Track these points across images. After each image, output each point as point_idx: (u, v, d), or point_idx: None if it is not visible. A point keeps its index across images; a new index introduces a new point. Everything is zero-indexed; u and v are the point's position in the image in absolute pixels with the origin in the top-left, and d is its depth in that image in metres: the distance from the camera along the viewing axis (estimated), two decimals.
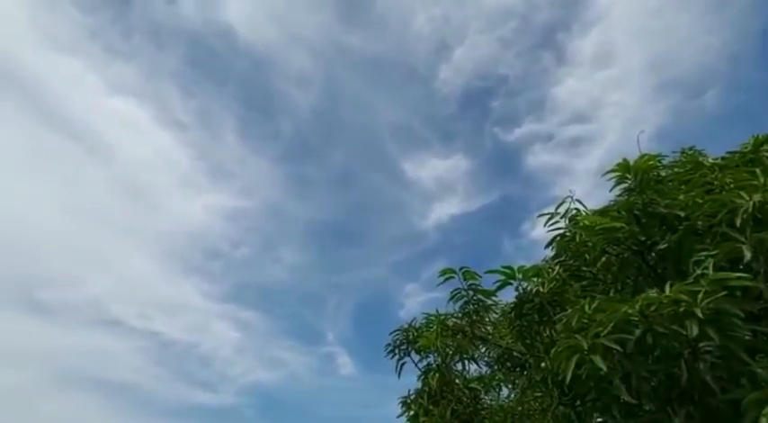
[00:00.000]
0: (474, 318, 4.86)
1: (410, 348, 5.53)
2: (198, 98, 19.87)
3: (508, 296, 5.02)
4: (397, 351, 5.61)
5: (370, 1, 17.76)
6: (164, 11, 17.41)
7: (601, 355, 2.70)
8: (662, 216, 3.40)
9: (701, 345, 2.73)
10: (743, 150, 3.84)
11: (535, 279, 4.22)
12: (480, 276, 4.82)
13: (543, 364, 4.12)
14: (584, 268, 4.03)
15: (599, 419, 3.52)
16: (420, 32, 18.40)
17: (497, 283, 4.46)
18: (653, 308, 2.75)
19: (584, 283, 4.04)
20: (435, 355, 5.05)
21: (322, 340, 22.53)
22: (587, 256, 3.93)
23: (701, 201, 3.34)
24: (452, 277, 4.89)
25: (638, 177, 3.49)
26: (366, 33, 18.89)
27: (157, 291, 20.77)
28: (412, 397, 5.29)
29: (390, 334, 5.68)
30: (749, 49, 15.58)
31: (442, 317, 5.17)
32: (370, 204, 22.92)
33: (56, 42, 16.53)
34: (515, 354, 5.14)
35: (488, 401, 5.10)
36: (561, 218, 3.94)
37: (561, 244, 3.96)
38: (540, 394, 4.16)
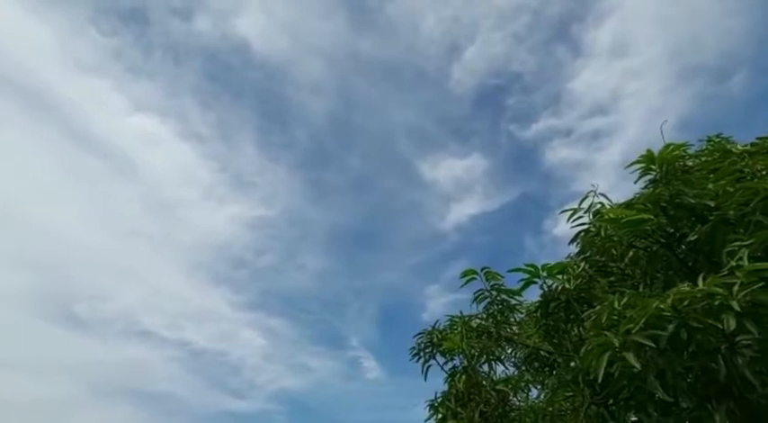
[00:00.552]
0: (499, 318, 4.79)
1: (435, 351, 5.48)
2: (216, 111, 20.27)
3: (532, 295, 4.95)
4: (421, 354, 5.56)
5: (380, 6, 17.84)
6: (181, 29, 17.85)
7: (633, 353, 2.62)
8: (691, 207, 3.29)
9: (738, 339, 2.63)
10: None
11: (560, 276, 4.14)
12: (503, 276, 4.76)
13: (573, 364, 4.03)
14: (611, 264, 3.93)
15: (633, 418, 3.42)
16: (430, 34, 18.40)
17: (521, 283, 4.39)
18: (686, 302, 2.66)
19: (612, 278, 3.94)
20: (461, 357, 4.99)
21: (347, 345, 22.62)
22: (614, 251, 3.84)
23: (731, 189, 3.22)
24: (474, 278, 4.83)
25: (664, 168, 3.39)
26: (377, 38, 18.98)
27: (186, 301, 21.25)
28: (439, 400, 5.24)
29: (414, 337, 5.64)
30: None
31: (466, 318, 5.11)
32: (388, 207, 22.96)
33: (82, 65, 17.12)
34: (543, 353, 5.04)
35: (517, 403, 5.01)
36: (585, 213, 3.85)
37: (586, 239, 3.87)
38: (570, 394, 4.05)
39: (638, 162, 3.51)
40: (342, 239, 23.85)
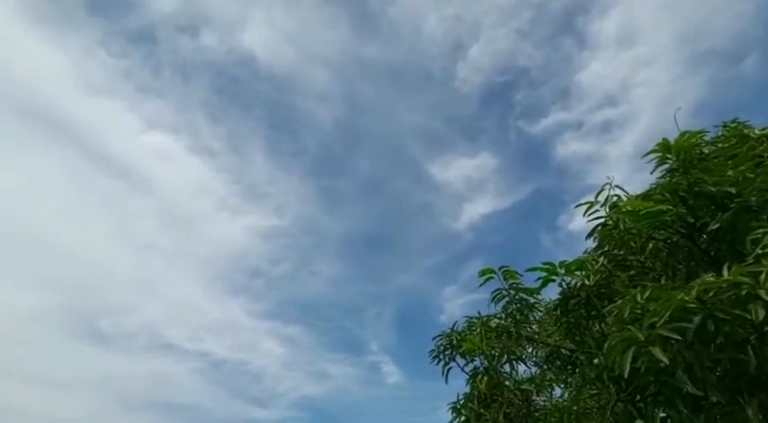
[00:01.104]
0: (518, 317, 4.73)
1: (455, 353, 5.43)
2: (226, 124, 20.52)
3: (551, 293, 4.88)
4: (441, 356, 5.50)
5: (381, 10, 17.89)
6: (188, 46, 18.13)
7: (659, 347, 2.56)
8: (710, 195, 3.21)
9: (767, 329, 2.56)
10: None
11: (579, 273, 4.07)
12: (521, 275, 4.69)
13: (596, 361, 3.95)
14: (631, 257, 3.85)
15: (662, 415, 3.34)
16: (433, 34, 18.39)
17: (539, 280, 4.33)
18: (711, 293, 2.59)
19: (632, 272, 3.86)
20: (481, 357, 4.93)
21: (366, 350, 22.60)
22: (633, 244, 3.76)
23: (752, 175, 3.14)
24: (492, 277, 4.78)
25: (681, 156, 3.31)
26: (380, 42, 19.04)
27: (206, 313, 21.49)
28: (461, 402, 5.18)
29: (433, 339, 5.59)
30: None
31: (485, 318, 5.05)
32: (400, 210, 22.95)
33: (94, 87, 17.53)
34: (564, 352, 4.96)
35: (541, 402, 4.93)
36: (601, 206, 3.78)
37: (603, 233, 3.80)
38: (596, 391, 3.98)
39: (653, 151, 3.44)
40: (355, 245, 23.91)
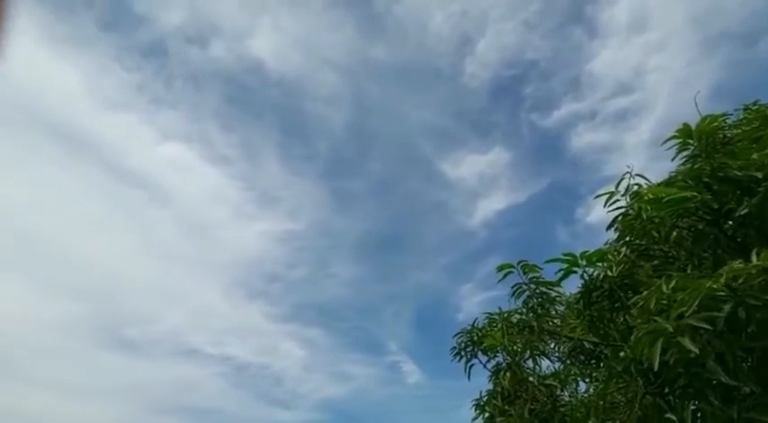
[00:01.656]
0: (539, 311, 4.65)
1: (476, 350, 5.37)
2: (238, 132, 20.71)
3: (572, 287, 4.79)
4: (463, 353, 5.46)
5: (387, 10, 17.81)
6: (198, 56, 18.33)
7: (689, 337, 2.49)
8: (736, 179, 3.11)
9: None
10: None
11: (601, 264, 4.00)
12: (541, 268, 4.62)
13: (622, 354, 3.87)
14: (654, 246, 3.77)
15: (692, 407, 3.25)
16: (440, 31, 18.26)
17: (560, 273, 4.26)
18: (741, 279, 2.51)
19: (656, 262, 3.78)
20: (504, 353, 4.87)
21: (385, 350, 22.60)
22: (656, 234, 3.68)
23: None
24: (511, 272, 4.71)
25: (703, 141, 3.22)
26: (387, 42, 18.96)
27: (226, 318, 21.80)
28: (485, 399, 5.12)
29: (454, 337, 5.55)
30: None
31: (506, 314, 4.99)
32: (414, 210, 22.87)
33: (110, 102, 17.92)
34: (588, 345, 4.87)
35: (566, 397, 4.85)
36: (622, 196, 3.70)
37: (625, 223, 3.72)
38: (623, 385, 3.89)
39: (674, 137, 3.35)
40: (370, 246, 23.90)
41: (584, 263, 3.96)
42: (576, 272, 4.09)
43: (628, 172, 3.70)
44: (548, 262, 4.17)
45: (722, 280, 2.52)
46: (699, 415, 3.15)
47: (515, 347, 4.74)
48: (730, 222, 3.38)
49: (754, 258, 2.54)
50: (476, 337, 5.36)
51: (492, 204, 21.12)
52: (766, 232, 3.08)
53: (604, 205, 3.78)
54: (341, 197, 22.80)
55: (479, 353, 5.34)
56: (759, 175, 3.06)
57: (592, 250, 4.05)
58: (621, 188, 3.76)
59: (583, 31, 18.19)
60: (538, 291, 4.62)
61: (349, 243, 23.76)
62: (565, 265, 4.10)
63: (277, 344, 22.42)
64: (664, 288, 2.83)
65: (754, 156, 3.15)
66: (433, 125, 21.28)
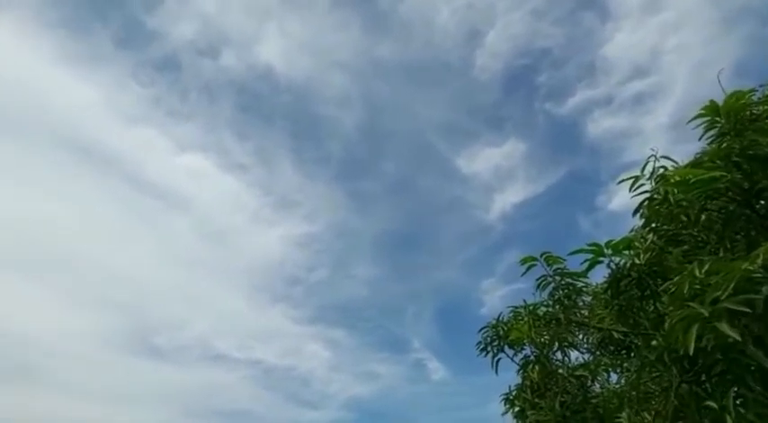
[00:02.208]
0: (566, 303, 4.57)
1: (503, 344, 5.31)
2: (253, 139, 21.01)
3: (597, 277, 4.70)
4: (489, 348, 5.40)
5: (392, 8, 17.79)
6: (210, 67, 18.67)
7: (726, 321, 2.40)
8: (767, 157, 3.00)
9: None
10: None
11: (627, 252, 3.91)
12: (565, 259, 4.54)
13: (654, 342, 3.78)
14: (683, 231, 3.66)
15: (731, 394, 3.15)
16: (446, 26, 18.16)
17: (585, 263, 4.18)
18: None
19: (686, 247, 3.67)
20: (531, 346, 4.81)
21: (409, 348, 22.64)
22: (684, 218, 3.57)
23: None
24: (535, 265, 4.64)
25: (731, 119, 3.11)
26: (394, 41, 18.98)
27: (251, 322, 22.14)
28: (514, 393, 5.06)
29: (479, 331, 5.50)
30: None
31: (531, 307, 4.92)
32: (430, 207, 22.84)
33: (128, 117, 18.41)
34: (617, 336, 4.77)
35: (597, 389, 4.76)
36: (647, 180, 3.61)
37: (651, 208, 3.62)
38: (657, 374, 3.80)
39: (700, 116, 3.25)
40: (388, 245, 23.98)
41: (610, 252, 3.87)
42: (601, 261, 4.01)
43: (652, 155, 3.61)
44: (572, 253, 4.09)
45: (759, 261, 2.43)
46: (738, 402, 3.05)
47: (543, 340, 4.68)
48: (762, 202, 3.27)
49: None
50: (501, 332, 5.30)
51: (509, 197, 20.97)
52: None
53: (629, 190, 3.69)
54: (356, 198, 22.93)
55: (506, 347, 5.28)
56: None
57: (617, 239, 3.96)
58: (646, 172, 3.67)
59: (594, 16, 17.87)
60: (563, 282, 4.55)
61: (367, 243, 23.88)
62: (590, 256, 4.02)
63: (302, 346, 22.69)
64: (696, 272, 2.74)
65: None
66: (445, 121, 21.23)
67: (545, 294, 4.81)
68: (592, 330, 4.84)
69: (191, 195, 20.89)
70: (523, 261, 4.56)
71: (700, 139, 3.31)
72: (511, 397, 5.06)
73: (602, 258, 3.96)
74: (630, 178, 3.75)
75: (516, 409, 4.89)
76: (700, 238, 3.66)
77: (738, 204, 3.25)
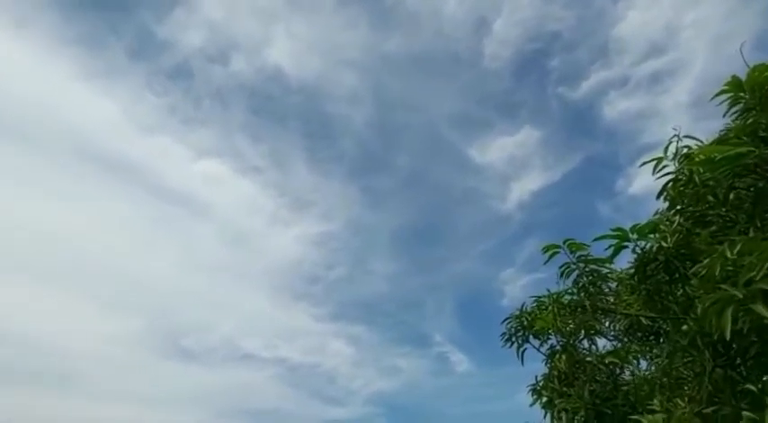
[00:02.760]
0: (591, 290, 4.49)
1: (527, 334, 5.25)
2: (266, 142, 21.18)
3: (622, 262, 4.60)
4: (513, 339, 5.35)
5: (399, 2, 17.65)
6: (221, 73, 18.86)
7: (762, 303, 2.32)
8: None
9: None
10: None
11: (653, 236, 3.81)
12: (588, 246, 4.45)
13: (685, 327, 3.69)
14: (711, 212, 3.55)
15: (765, 378, 3.06)
16: (454, 16, 17.96)
17: (610, 249, 4.09)
18: None
19: (714, 228, 3.56)
20: (557, 336, 4.74)
21: (431, 342, 22.64)
22: (711, 198, 3.47)
23: None
24: (557, 252, 4.56)
25: (756, 93, 2.99)
26: (402, 34, 18.85)
27: (275, 322, 22.46)
28: (541, 383, 5.00)
29: (503, 322, 5.44)
30: None
31: (555, 295, 4.85)
32: (445, 200, 22.70)
33: (145, 127, 18.79)
34: (645, 321, 4.67)
35: (627, 376, 4.67)
36: (670, 160, 3.51)
37: (676, 190, 3.53)
38: (689, 359, 3.71)
39: (724, 91, 3.14)
40: (405, 239, 23.97)
41: (636, 236, 3.78)
42: (626, 246, 3.92)
43: (675, 134, 3.51)
44: (597, 239, 4.01)
45: None
46: None
47: (569, 328, 4.60)
48: None
49: None
50: (525, 322, 5.24)
51: (526, 186, 20.71)
52: None
53: (653, 172, 3.60)
54: (371, 194, 22.93)
55: (531, 337, 5.22)
56: None
57: (642, 222, 3.87)
58: (669, 152, 3.57)
59: None
60: (587, 269, 4.46)
61: (384, 239, 23.91)
62: (614, 241, 3.93)
63: (325, 343, 22.90)
64: (728, 254, 2.66)
65: None
66: (456, 112, 21.03)
67: (569, 282, 4.73)
68: (619, 317, 4.74)
69: (209, 200, 21.33)
70: (546, 249, 4.49)
71: (724, 115, 3.20)
72: (538, 387, 5.00)
73: (626, 243, 3.87)
74: (653, 160, 3.66)
75: (544, 399, 4.83)
76: (728, 218, 3.55)
77: None
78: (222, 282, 22.31)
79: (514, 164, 20.71)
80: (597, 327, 4.61)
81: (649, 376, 4.49)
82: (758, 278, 2.38)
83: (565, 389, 4.49)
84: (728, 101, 3.15)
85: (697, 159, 3.10)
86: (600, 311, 4.62)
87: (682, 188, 3.55)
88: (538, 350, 5.10)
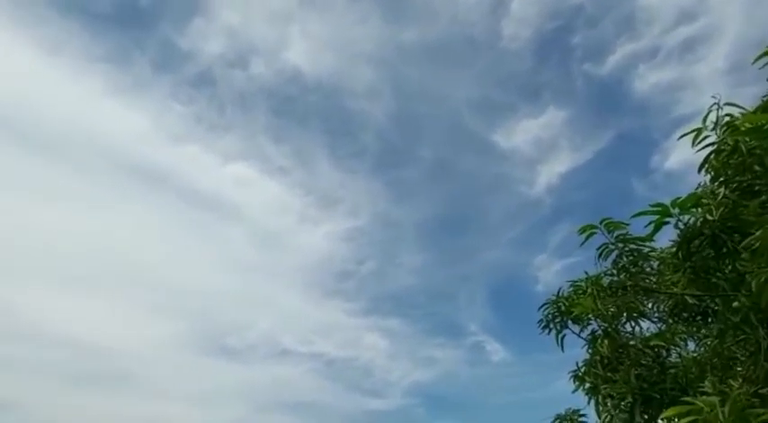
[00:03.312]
0: (632, 270, 4.33)
1: (566, 319, 5.13)
2: (290, 142, 21.44)
3: (662, 241, 4.42)
4: (551, 325, 5.23)
5: None
6: (242, 78, 19.16)
7: None
8: None
9: None
10: None
11: (696, 210, 3.63)
12: (627, 224, 4.29)
13: (736, 304, 3.52)
14: (758, 181, 3.36)
15: None
16: (468, 0, 17.56)
17: (650, 226, 3.92)
18: None
19: (763, 198, 3.37)
20: (597, 320, 4.60)
21: (466, 332, 22.52)
22: (758, 167, 3.28)
23: None
24: (594, 233, 4.41)
25: None
26: (417, 23, 18.61)
27: (310, 318, 22.94)
28: (583, 369, 4.88)
29: (539, 309, 5.33)
30: None
31: (593, 278, 4.70)
32: (472, 188, 22.44)
33: (174, 136, 19.43)
34: (691, 300, 4.48)
35: (674, 358, 4.50)
36: (711, 130, 3.34)
37: (720, 161, 3.35)
38: (741, 338, 3.54)
39: (766, 54, 2.95)
40: (434, 230, 23.84)
41: (678, 211, 3.61)
42: (668, 223, 3.74)
43: (715, 103, 3.33)
44: (635, 216, 3.84)
45: None
46: None
47: (610, 312, 4.46)
48: None
49: None
50: (563, 307, 5.11)
51: (554, 168, 20.21)
52: None
53: (692, 144, 3.43)
54: (396, 187, 22.87)
55: (569, 322, 5.09)
56: None
57: (683, 196, 3.69)
58: (709, 122, 3.39)
59: None
60: (627, 248, 4.30)
61: (412, 231, 23.85)
62: (654, 218, 3.76)
63: (360, 337, 23.16)
64: None
65: None
66: (477, 98, 20.68)
67: (607, 263, 4.58)
68: (662, 297, 4.56)
69: (239, 203, 21.92)
70: (582, 230, 4.34)
71: None
72: (580, 373, 4.88)
73: (668, 219, 3.70)
74: (692, 131, 3.49)
75: (587, 385, 4.71)
76: None
77: None
78: (257, 281, 22.93)
79: (541, 147, 20.25)
80: (640, 308, 4.45)
81: (698, 357, 4.31)
82: None
83: (609, 374, 4.36)
84: None
85: (742, 128, 2.92)
86: (642, 292, 4.45)
87: (726, 159, 3.37)
88: (578, 335, 4.96)
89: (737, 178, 3.35)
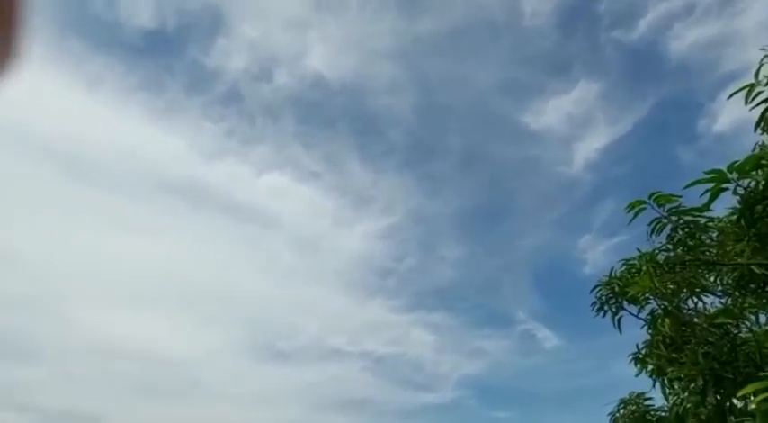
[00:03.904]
0: (690, 243, 4.08)
1: (621, 300, 4.90)
2: (319, 147, 21.66)
3: (719, 210, 4.15)
4: (606, 307, 5.02)
5: None
6: (267, 90, 19.49)
7: None
8: None
9: None
10: None
11: (756, 173, 3.38)
12: (680, 196, 4.04)
13: None
14: None
15: None
16: None
17: (705, 195, 3.68)
18: None
19: None
20: (656, 298, 4.36)
21: (514, 320, 22.03)
22: None
23: None
24: (644, 208, 4.19)
25: None
26: (433, 13, 18.21)
27: (355, 317, 23.42)
28: (644, 351, 4.65)
29: (592, 291, 5.13)
30: None
31: (648, 255, 4.46)
32: (505, 174, 21.83)
33: (208, 154, 20.40)
34: (758, 270, 4.18)
35: (745, 333, 4.20)
36: (765, 86, 3.09)
37: None
38: None
39: None
40: (471, 221, 23.40)
41: (736, 176, 3.36)
42: (726, 189, 3.49)
43: (766, 55, 3.07)
44: (689, 186, 3.60)
45: None
46: None
47: (669, 289, 4.22)
48: None
49: None
50: (617, 287, 4.89)
51: (591, 144, 19.30)
52: None
53: (745, 102, 3.18)
54: (428, 181, 22.61)
55: (625, 303, 4.87)
56: None
57: (740, 160, 3.44)
58: (762, 77, 3.14)
59: None
60: (682, 221, 4.05)
61: (449, 224, 23.53)
62: (710, 186, 3.52)
63: (406, 333, 23.27)
64: None
65: None
66: (503, 80, 20.03)
67: (661, 239, 4.33)
68: (725, 269, 4.27)
69: (277, 212, 22.72)
70: (630, 206, 4.13)
71: None
72: (641, 355, 4.66)
73: (726, 185, 3.45)
74: (743, 88, 3.24)
75: (650, 367, 4.48)
76: None
77: None
78: (301, 286, 23.61)
79: (574, 123, 19.42)
80: (702, 283, 4.19)
81: None
82: None
83: (674, 355, 4.13)
84: None
85: None
86: (703, 266, 4.18)
87: None
88: (636, 316, 4.74)
89: None
